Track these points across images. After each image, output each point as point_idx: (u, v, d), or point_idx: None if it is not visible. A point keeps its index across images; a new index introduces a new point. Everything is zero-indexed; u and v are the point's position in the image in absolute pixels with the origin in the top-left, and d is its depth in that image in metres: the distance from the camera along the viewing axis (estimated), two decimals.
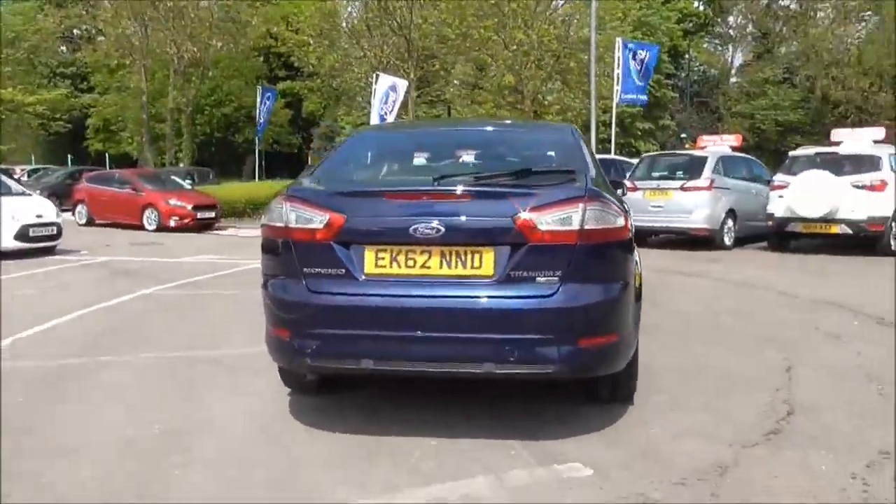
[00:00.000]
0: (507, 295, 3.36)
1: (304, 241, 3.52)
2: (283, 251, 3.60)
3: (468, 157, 4.13)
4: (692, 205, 12.36)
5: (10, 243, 11.13)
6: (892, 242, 11.53)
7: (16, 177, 21.82)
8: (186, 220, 16.76)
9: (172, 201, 16.95)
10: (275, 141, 40.18)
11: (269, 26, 32.80)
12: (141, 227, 16.80)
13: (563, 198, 3.43)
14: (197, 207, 17.10)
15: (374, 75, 22.10)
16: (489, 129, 5.08)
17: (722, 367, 4.96)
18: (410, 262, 3.43)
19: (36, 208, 11.82)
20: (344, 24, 30.04)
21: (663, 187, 12.70)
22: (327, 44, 28.46)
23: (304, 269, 3.51)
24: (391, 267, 3.44)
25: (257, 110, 28.91)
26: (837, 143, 12.98)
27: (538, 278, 3.36)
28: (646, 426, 3.79)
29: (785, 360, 5.09)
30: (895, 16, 31.77)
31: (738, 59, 43.31)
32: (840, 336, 5.87)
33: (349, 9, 31.78)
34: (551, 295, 3.35)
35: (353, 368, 3.54)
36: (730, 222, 12.72)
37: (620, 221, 3.55)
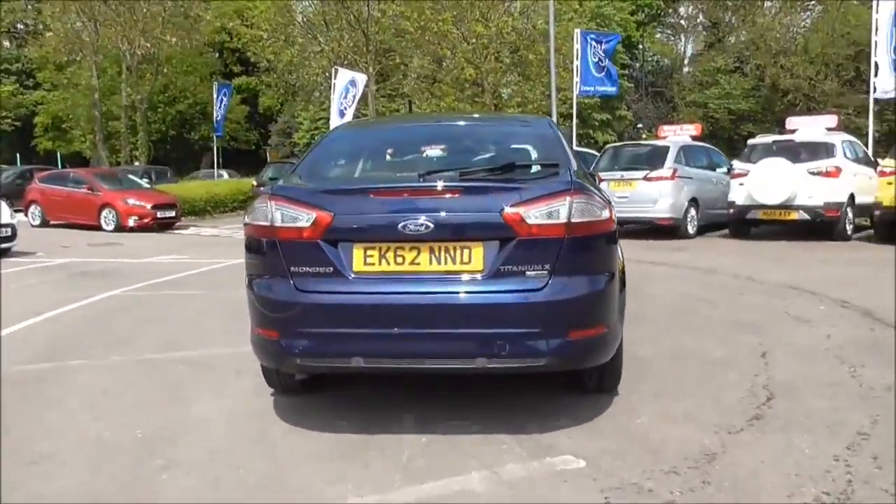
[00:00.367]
0: (498, 289, 3.37)
1: (291, 240, 3.48)
2: (268, 250, 3.55)
3: (452, 152, 4.12)
4: (656, 194, 12.55)
5: None
6: (847, 228, 11.89)
7: None
8: (146, 220, 16.43)
9: (131, 201, 16.59)
10: (232, 137, 39.61)
11: (222, 21, 32.29)
12: (98, 228, 16.39)
13: (550, 191, 3.45)
14: (156, 207, 16.77)
15: (333, 70, 21.87)
16: (469, 123, 5.09)
17: (701, 353, 5.05)
18: (399, 259, 3.41)
19: None
20: (300, 19, 29.68)
21: (627, 178, 12.85)
22: (283, 39, 28.12)
23: (292, 269, 3.46)
24: (380, 264, 3.42)
25: (213, 107, 28.40)
26: (793, 131, 13.32)
27: (527, 272, 3.37)
28: (633, 415, 3.84)
29: (760, 345, 5.20)
30: (838, 5, 32.64)
31: (690, 49, 44.02)
32: (810, 320, 6.02)
33: (304, 2, 31.42)
34: (541, 288, 3.36)
35: (343, 367, 3.52)
36: (693, 211, 12.95)
37: (605, 213, 3.58)
